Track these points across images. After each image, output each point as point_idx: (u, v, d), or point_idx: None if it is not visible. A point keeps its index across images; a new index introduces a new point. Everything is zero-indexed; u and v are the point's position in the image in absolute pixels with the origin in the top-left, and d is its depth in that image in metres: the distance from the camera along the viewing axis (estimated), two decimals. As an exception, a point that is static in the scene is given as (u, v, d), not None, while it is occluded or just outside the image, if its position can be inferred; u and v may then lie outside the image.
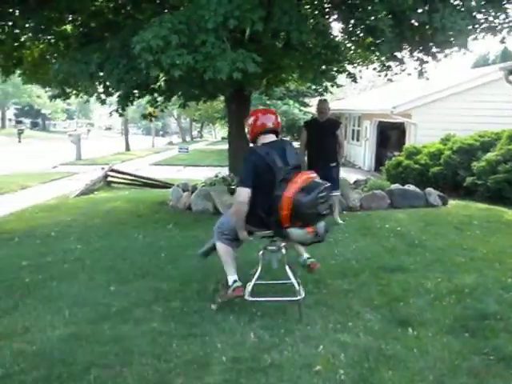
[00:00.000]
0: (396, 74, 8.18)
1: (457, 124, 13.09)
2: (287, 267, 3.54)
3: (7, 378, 2.76)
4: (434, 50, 6.40)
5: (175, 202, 8.35)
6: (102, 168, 14.85)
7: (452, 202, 8.43)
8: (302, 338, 3.16)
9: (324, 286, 4.08)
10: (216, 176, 8.98)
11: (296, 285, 3.48)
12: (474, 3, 5.38)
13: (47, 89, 10.89)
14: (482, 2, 5.40)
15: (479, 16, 5.37)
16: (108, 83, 5.95)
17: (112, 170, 14.25)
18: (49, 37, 7.93)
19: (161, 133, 67.99)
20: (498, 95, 13.89)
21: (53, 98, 8.54)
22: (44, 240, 6.29)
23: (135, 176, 14.39)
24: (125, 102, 6.69)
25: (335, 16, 6.82)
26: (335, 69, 7.58)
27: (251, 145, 3.77)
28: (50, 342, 3.17)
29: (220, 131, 58.38)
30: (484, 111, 13.90)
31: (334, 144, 6.68)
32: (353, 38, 6.57)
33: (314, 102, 27.59)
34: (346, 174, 8.54)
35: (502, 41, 5.85)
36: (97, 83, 6.39)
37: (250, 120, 3.67)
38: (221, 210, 7.39)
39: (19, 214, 8.94)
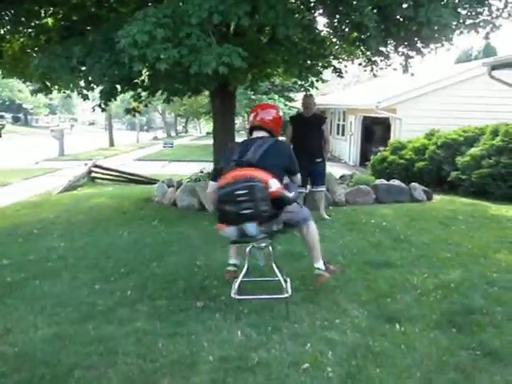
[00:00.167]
0: (381, 68, 8.17)
1: (441, 119, 13.21)
2: (274, 264, 3.51)
3: (-13, 381, 2.70)
4: (419, 45, 6.40)
5: (160, 197, 8.28)
6: (86, 164, 14.71)
7: (437, 197, 8.48)
8: (290, 335, 3.13)
9: (310, 283, 4.04)
10: (201, 171, 8.94)
11: (283, 282, 3.46)
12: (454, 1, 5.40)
13: (29, 83, 10.69)
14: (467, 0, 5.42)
15: (464, 12, 5.38)
16: (90, 78, 5.83)
17: (96, 166, 14.11)
18: (29, 30, 7.77)
19: (145, 128, 67.56)
20: (482, 90, 14.03)
21: (34, 92, 8.37)
22: (26, 238, 6.19)
23: (120, 172, 14.26)
24: (107, 96, 6.57)
25: (320, 11, 6.77)
26: (320, 64, 7.55)
27: None
28: (33, 343, 3.11)
29: (205, 126, 58.18)
30: (468, 106, 14.05)
31: (319, 139, 6.66)
32: (338, 33, 6.54)
33: (299, 96, 27.57)
34: (332, 169, 8.55)
35: (486, 37, 5.88)
36: (78, 78, 6.25)
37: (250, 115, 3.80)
38: (206, 206, 7.34)
39: (0, 211, 8.79)
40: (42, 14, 7.77)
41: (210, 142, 9.29)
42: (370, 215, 6.75)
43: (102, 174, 14.02)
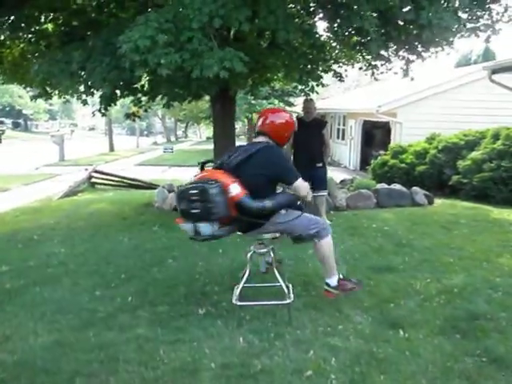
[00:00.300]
0: (382, 72, 8.18)
1: (442, 123, 13.19)
2: (276, 270, 3.48)
3: (-14, 390, 2.67)
4: (420, 49, 6.39)
5: (161, 203, 8.25)
6: (86, 169, 14.71)
7: (438, 201, 8.46)
8: (292, 342, 3.10)
9: (313, 288, 4.01)
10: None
11: (285, 288, 3.43)
12: (457, 3, 5.40)
13: (29, 89, 10.69)
14: (467, 2, 5.41)
15: (464, 16, 5.38)
16: (90, 83, 5.81)
17: (96, 171, 14.10)
18: (29, 35, 7.78)
19: (145, 133, 67.61)
20: (482, 94, 14.02)
21: (34, 98, 8.38)
22: (26, 244, 6.16)
23: (120, 177, 14.24)
24: (107, 101, 6.57)
25: (321, 15, 6.77)
26: (321, 68, 7.55)
27: None
28: (33, 350, 3.07)
29: (205, 131, 58.23)
30: (468, 110, 14.04)
31: (320, 144, 6.64)
32: (339, 37, 6.54)
33: (298, 101, 27.61)
34: (332, 173, 8.53)
35: (487, 40, 5.88)
36: (78, 83, 6.24)
37: None
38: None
39: (0, 217, 8.76)
40: (42, 20, 7.79)
41: (211, 146, 9.29)
42: (372, 220, 6.72)
43: (103, 179, 14.01)
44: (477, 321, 3.35)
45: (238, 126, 33.93)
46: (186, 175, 13.57)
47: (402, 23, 5.58)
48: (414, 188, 8.35)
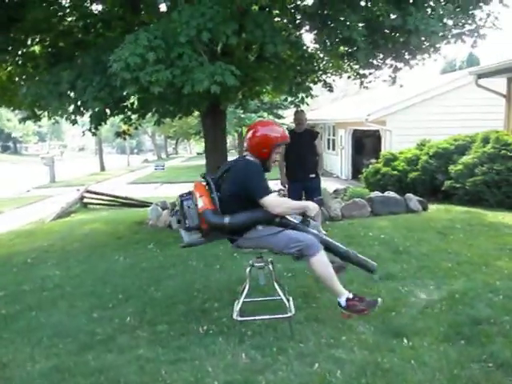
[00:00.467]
0: (369, 82, 8.24)
1: (431, 129, 13.30)
2: (275, 283, 3.45)
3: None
4: (407, 56, 6.45)
5: (155, 220, 8.19)
6: (78, 189, 14.62)
7: (432, 207, 8.46)
8: (296, 355, 3.05)
9: (313, 300, 3.98)
10: (195, 192, 8.86)
11: (286, 301, 3.39)
12: (441, 11, 5.46)
13: (17, 111, 10.64)
14: (451, 9, 5.47)
15: (450, 22, 5.44)
16: (81, 102, 5.77)
17: (88, 191, 14.02)
18: (16, 58, 7.76)
19: (135, 151, 67.57)
20: (469, 99, 14.17)
21: (23, 120, 8.33)
22: (20, 267, 6.08)
23: (112, 196, 14.18)
24: (98, 120, 6.54)
25: (307, 27, 6.82)
26: (310, 79, 7.58)
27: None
28: (31, 377, 3.00)
29: (195, 147, 58.27)
30: (456, 115, 14.17)
31: (312, 154, 6.64)
32: (327, 48, 6.57)
33: (287, 113, 27.75)
34: (324, 184, 8.51)
35: (474, 45, 5.93)
36: (66, 104, 6.20)
37: None
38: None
39: (-7, 241, 8.65)
40: (29, 42, 7.77)
41: (202, 162, 9.28)
42: (368, 228, 6.70)
43: (95, 199, 13.93)
44: (480, 326, 3.32)
45: (229, 140, 33.96)
46: (179, 192, 13.54)
47: (388, 31, 5.62)
48: (408, 195, 8.35)
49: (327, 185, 10.89)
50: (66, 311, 4.19)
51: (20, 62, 7.84)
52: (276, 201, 3.40)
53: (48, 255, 6.73)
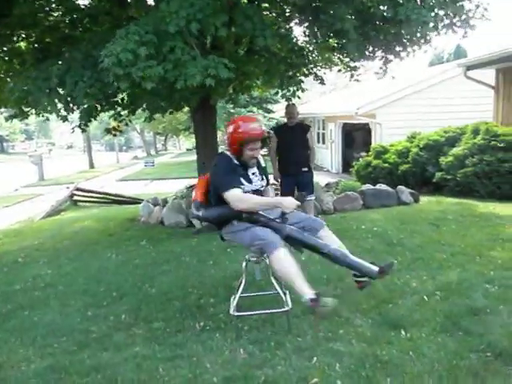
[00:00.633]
0: (359, 74, 8.22)
1: (420, 121, 13.35)
2: (272, 278, 3.42)
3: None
4: (398, 48, 6.43)
5: (146, 217, 8.14)
6: (67, 187, 14.49)
7: (423, 199, 8.49)
8: (294, 350, 3.03)
9: (309, 294, 3.96)
10: (186, 188, 8.83)
11: (282, 295, 3.36)
12: (432, 2, 5.45)
13: (3, 109, 10.47)
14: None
15: (441, 12, 5.43)
16: (71, 98, 5.67)
17: (78, 189, 13.89)
18: (1, 54, 7.62)
19: (124, 148, 67.15)
20: (458, 91, 14.22)
21: (10, 118, 8.20)
22: (11, 267, 6.00)
23: (102, 193, 14.07)
24: (88, 116, 6.45)
25: (297, 20, 6.77)
26: (302, 72, 7.54)
27: None
28: (26, 377, 2.96)
29: (184, 143, 58.01)
30: (445, 107, 14.22)
31: (304, 148, 6.61)
32: (318, 40, 6.54)
33: (276, 108, 27.70)
34: (315, 178, 8.50)
35: (464, 35, 5.93)
36: (56, 100, 6.10)
37: None
38: (194, 223, 7.24)
39: (-18, 241, 8.53)
40: (15, 38, 7.65)
41: (191, 158, 9.24)
42: (360, 221, 6.71)
43: (85, 196, 13.81)
44: (477, 316, 3.33)
45: (218, 136, 33.84)
46: (170, 188, 13.47)
47: (379, 23, 5.60)
48: (400, 187, 8.37)
49: (318, 179, 10.84)
50: (59, 310, 4.13)
51: (6, 59, 7.71)
52: (237, 196, 3.32)
53: (38, 254, 6.65)
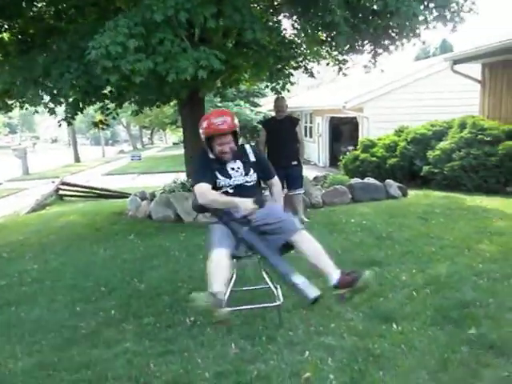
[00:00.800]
0: (348, 68, 8.21)
1: (408, 115, 13.38)
2: (264, 272, 3.40)
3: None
4: (387, 42, 6.43)
5: (134, 211, 8.06)
6: (53, 181, 14.32)
7: (411, 193, 8.53)
8: (286, 344, 3.02)
9: (300, 288, 3.95)
10: (174, 182, 8.76)
11: (274, 289, 3.34)
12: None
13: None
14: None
15: (431, 5, 5.43)
16: (57, 90, 5.56)
17: (63, 183, 13.73)
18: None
19: (110, 142, 66.57)
20: (444, 85, 14.28)
21: (-7, 111, 8.06)
22: (-4, 262, 5.90)
23: (89, 188, 13.93)
24: (74, 109, 6.34)
25: (286, 13, 6.73)
26: (291, 65, 7.51)
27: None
28: (13, 375, 2.91)
29: (171, 137, 57.67)
30: (432, 101, 14.28)
31: (294, 141, 6.59)
32: (308, 33, 6.50)
33: (263, 101, 27.62)
34: (303, 171, 8.52)
35: (453, 29, 5.94)
36: (43, 92, 5.98)
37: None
38: (182, 217, 7.19)
39: (-34, 236, 8.39)
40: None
41: (178, 152, 9.19)
42: (349, 215, 6.72)
43: (71, 191, 13.65)
44: (467, 309, 3.34)
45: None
46: (157, 182, 13.36)
47: (369, 15, 5.58)
48: (388, 181, 8.40)
49: (306, 172, 10.78)
50: (46, 306, 4.07)
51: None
52: (199, 190, 3.37)
53: (24, 249, 6.55)
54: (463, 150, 8.95)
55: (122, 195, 12.25)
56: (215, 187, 3.46)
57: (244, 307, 3.47)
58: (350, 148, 14.42)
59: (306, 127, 21.60)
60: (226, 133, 3.39)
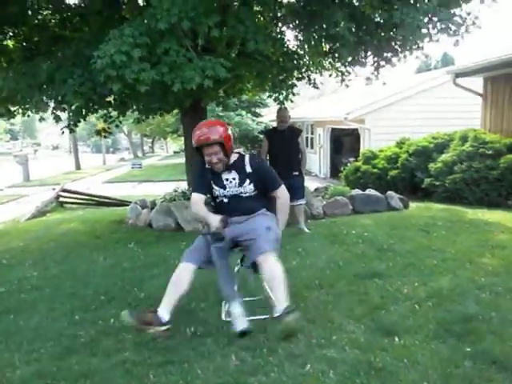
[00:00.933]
0: (350, 80, 8.23)
1: (409, 127, 13.42)
2: (264, 283, 3.38)
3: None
4: (389, 54, 6.45)
5: (134, 219, 8.04)
6: (54, 188, 14.31)
7: (412, 205, 8.51)
8: (287, 356, 2.98)
9: (301, 300, 3.92)
10: (175, 190, 8.75)
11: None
12: (426, 6, 5.47)
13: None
14: (435, 3, 5.48)
15: (435, 18, 5.45)
16: (61, 96, 5.57)
17: (64, 190, 13.71)
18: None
19: (111, 150, 66.68)
20: (446, 98, 14.34)
21: (-3, 117, 8.07)
22: (-5, 269, 5.87)
23: (89, 195, 13.90)
24: (78, 116, 6.34)
25: (291, 24, 6.75)
26: (295, 76, 7.53)
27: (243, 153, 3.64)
28: (11, 383, 2.87)
29: (172, 145, 57.76)
30: (434, 113, 14.32)
31: (295, 152, 6.60)
32: (311, 44, 6.52)
33: (265, 112, 27.70)
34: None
35: (456, 44, 5.96)
36: (47, 98, 5.98)
37: (229, 130, 3.51)
38: (182, 225, 7.18)
39: (-34, 242, 8.36)
40: (1, 36, 7.52)
41: (179, 161, 9.19)
42: (351, 226, 6.69)
43: (71, 198, 13.63)
44: (469, 323, 3.31)
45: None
46: (157, 190, 13.35)
47: (373, 27, 5.61)
48: (389, 192, 8.38)
49: (306, 183, 10.83)
50: (45, 314, 4.03)
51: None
52: (191, 200, 3.54)
53: (24, 255, 6.52)
54: (465, 163, 8.96)
55: (123, 203, 12.23)
56: (213, 197, 3.54)
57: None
58: (351, 159, 14.43)
59: (307, 138, 21.65)
60: (211, 143, 3.39)
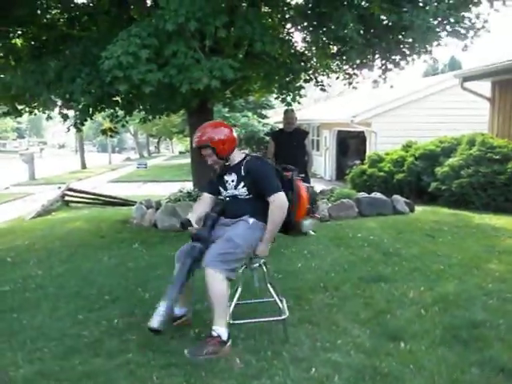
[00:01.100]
0: (357, 82, 8.20)
1: (416, 131, 13.39)
2: (269, 285, 3.36)
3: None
4: (398, 57, 6.42)
5: (139, 219, 8.03)
6: (59, 187, 14.33)
7: (418, 209, 8.46)
8: (291, 359, 2.96)
9: (306, 302, 3.91)
10: (180, 191, 8.74)
11: (279, 303, 3.31)
12: (434, 9, 5.43)
13: (-4, 107, 10.30)
14: (445, 8, 5.45)
15: (445, 21, 5.42)
16: (69, 94, 5.56)
17: (69, 189, 13.72)
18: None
19: (117, 149, 66.85)
20: (453, 102, 14.28)
21: (4, 115, 8.08)
22: None
23: (94, 194, 13.90)
24: (85, 115, 6.33)
25: (299, 26, 6.73)
26: (302, 77, 7.51)
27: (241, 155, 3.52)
28: (13, 383, 2.85)
29: (177, 146, 57.84)
30: (441, 117, 14.26)
31: (302, 154, 6.58)
32: (319, 46, 6.50)
33: (271, 113, 27.68)
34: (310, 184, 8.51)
35: (464, 49, 5.92)
36: (55, 95, 5.98)
37: (228, 133, 3.45)
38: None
39: (-29, 239, 8.37)
40: (11, 35, 7.54)
41: (184, 161, 9.18)
42: (356, 229, 6.65)
43: (76, 197, 13.64)
44: (477, 329, 3.29)
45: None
46: (163, 190, 13.36)
47: (382, 29, 5.58)
48: (395, 196, 8.33)
49: (312, 185, 10.83)
50: (49, 313, 4.02)
51: (1, 54, 7.59)
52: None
53: (29, 254, 6.51)
54: (472, 168, 8.90)
55: (128, 203, 12.23)
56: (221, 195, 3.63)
57: (249, 321, 3.42)
58: (357, 162, 14.38)
59: (313, 140, 21.58)
60: (203, 146, 3.39)
